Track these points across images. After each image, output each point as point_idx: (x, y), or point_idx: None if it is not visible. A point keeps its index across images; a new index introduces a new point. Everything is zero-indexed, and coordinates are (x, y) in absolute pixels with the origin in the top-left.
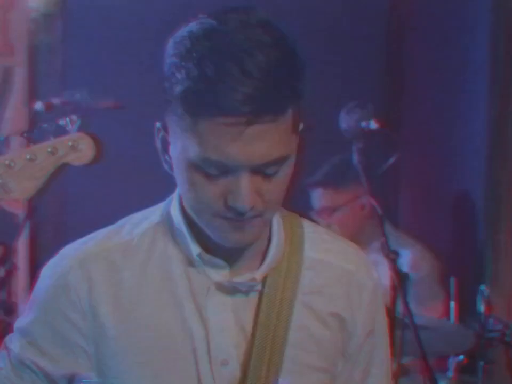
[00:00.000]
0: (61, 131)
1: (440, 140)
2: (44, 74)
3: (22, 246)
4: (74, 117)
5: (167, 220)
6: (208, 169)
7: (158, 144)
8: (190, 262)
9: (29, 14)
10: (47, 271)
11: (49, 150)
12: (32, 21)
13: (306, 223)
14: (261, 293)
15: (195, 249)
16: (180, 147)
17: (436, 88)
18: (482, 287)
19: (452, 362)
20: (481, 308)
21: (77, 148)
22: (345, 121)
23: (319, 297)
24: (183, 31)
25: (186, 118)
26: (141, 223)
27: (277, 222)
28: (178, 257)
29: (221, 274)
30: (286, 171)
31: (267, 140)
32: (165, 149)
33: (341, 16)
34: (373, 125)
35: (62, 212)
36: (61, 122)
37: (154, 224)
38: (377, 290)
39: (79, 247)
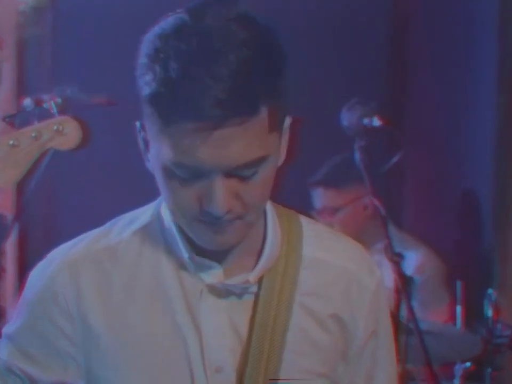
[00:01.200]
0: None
1: (446, 137)
2: (33, 70)
3: (10, 248)
4: (58, 100)
5: (157, 221)
6: (182, 173)
7: (140, 143)
8: (182, 264)
9: (18, 7)
10: (35, 276)
11: (33, 134)
12: (20, 14)
13: (304, 220)
14: (256, 295)
15: (186, 251)
16: (155, 149)
17: (441, 84)
18: (490, 291)
19: (459, 369)
20: (489, 312)
21: (62, 131)
22: (347, 118)
23: (318, 298)
24: (156, 28)
25: (157, 120)
26: (131, 224)
27: (272, 220)
28: (169, 260)
29: (213, 276)
30: (265, 172)
31: (238, 142)
32: (147, 148)
33: (343, 12)
34: (376, 122)
35: (51, 213)
36: (45, 105)
37: (144, 225)
38: (380, 289)
39: (67, 250)
